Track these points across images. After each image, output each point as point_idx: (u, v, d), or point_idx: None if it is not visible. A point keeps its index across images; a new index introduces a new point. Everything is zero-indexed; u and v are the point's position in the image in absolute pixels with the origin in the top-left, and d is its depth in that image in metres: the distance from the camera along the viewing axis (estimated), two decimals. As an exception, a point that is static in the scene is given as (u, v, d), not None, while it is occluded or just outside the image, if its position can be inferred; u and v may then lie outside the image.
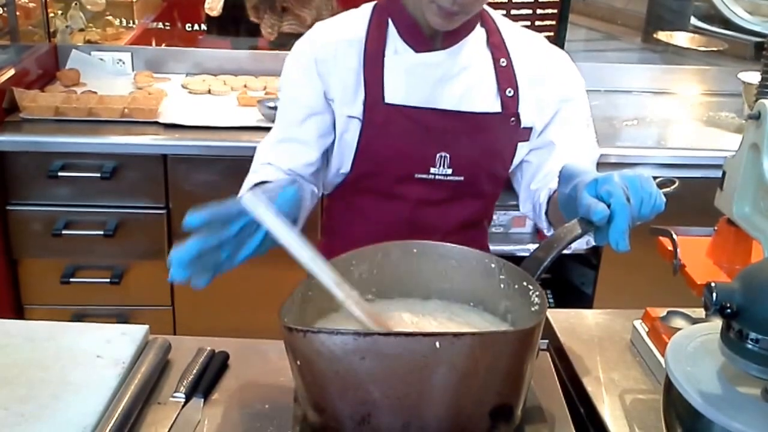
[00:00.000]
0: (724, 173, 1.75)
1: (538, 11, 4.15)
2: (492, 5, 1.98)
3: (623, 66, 4.38)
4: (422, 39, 1.94)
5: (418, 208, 2.01)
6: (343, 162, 1.99)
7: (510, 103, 1.96)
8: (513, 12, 4.10)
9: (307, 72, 1.96)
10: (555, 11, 4.13)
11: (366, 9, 1.99)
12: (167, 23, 4.54)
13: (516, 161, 2.03)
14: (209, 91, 3.84)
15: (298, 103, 1.99)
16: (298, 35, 2.04)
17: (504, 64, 1.96)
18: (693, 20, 4.91)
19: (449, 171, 1.96)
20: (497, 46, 1.97)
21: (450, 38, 1.92)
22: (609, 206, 1.41)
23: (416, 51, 1.94)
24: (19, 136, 3.22)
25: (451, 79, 1.95)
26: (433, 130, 1.95)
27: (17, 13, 3.74)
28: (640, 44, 4.97)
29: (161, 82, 3.94)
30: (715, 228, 1.85)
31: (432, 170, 1.96)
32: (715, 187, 1.77)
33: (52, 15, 4.08)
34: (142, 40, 4.45)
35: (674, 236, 1.76)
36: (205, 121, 3.37)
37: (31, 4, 3.96)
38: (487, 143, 1.97)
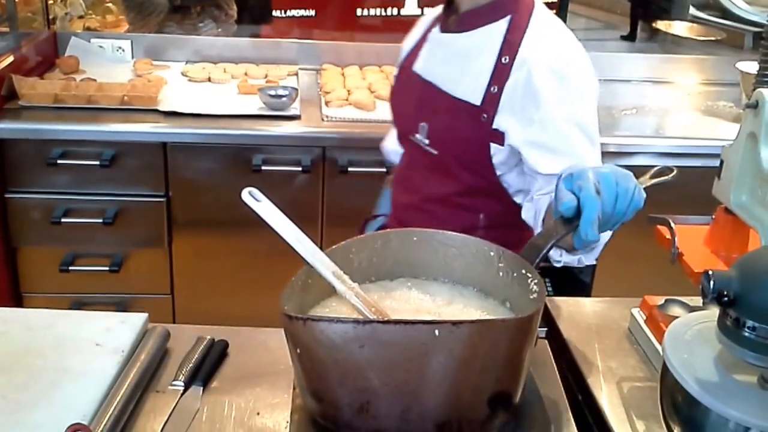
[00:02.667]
0: (721, 162, 1.75)
1: (538, 0, 4.15)
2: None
3: (622, 55, 4.38)
4: (447, 21, 2.12)
5: (411, 165, 2.25)
6: None
7: (490, 101, 1.97)
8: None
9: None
10: (555, 0, 4.14)
11: None
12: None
13: (497, 162, 2.02)
14: (209, 79, 3.84)
15: None
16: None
17: (505, 62, 1.96)
18: (692, 10, 4.92)
19: (427, 141, 2.11)
20: (510, 44, 1.97)
21: (465, 23, 2.05)
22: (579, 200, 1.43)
23: (441, 30, 2.13)
24: (18, 123, 3.22)
25: (450, 61, 2.07)
26: (421, 100, 2.14)
27: (16, 0, 3.73)
28: (639, 34, 4.97)
29: (161, 70, 3.94)
30: (713, 216, 1.85)
31: (417, 135, 2.14)
32: (713, 176, 1.78)
33: (51, 2, 4.08)
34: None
35: (672, 225, 1.76)
36: (205, 109, 3.36)
37: (31, -9, 3.96)
38: (457, 129, 2.05)
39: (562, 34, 2.02)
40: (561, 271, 2.35)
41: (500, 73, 1.97)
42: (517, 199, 2.09)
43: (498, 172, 2.04)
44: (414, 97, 2.17)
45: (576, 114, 1.92)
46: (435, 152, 2.10)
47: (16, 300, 3.45)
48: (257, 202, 1.48)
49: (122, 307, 3.44)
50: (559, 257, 1.80)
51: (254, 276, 3.43)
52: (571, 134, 1.91)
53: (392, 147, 2.44)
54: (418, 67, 2.17)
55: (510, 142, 1.97)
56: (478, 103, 1.99)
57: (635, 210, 1.49)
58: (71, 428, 1.31)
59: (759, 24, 4.48)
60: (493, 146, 2.00)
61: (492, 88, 1.97)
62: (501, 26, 2.00)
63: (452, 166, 2.09)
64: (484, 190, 2.09)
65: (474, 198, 2.12)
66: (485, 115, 1.98)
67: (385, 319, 1.42)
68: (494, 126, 1.98)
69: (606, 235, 1.70)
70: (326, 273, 1.45)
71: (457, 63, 2.06)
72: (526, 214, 1.99)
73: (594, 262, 1.84)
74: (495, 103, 1.97)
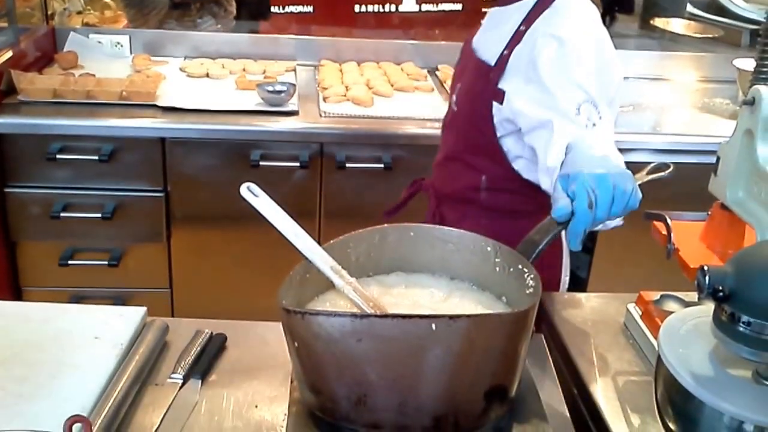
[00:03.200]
0: (718, 158, 1.76)
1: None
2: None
3: (620, 52, 4.36)
4: None
5: (445, 125, 2.39)
6: None
7: (501, 62, 2.07)
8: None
9: None
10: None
11: None
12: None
13: (497, 121, 2.09)
14: (207, 75, 3.84)
15: None
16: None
17: (522, 30, 2.06)
18: (689, 7, 4.92)
19: (455, 99, 2.27)
20: (531, 16, 2.06)
21: None
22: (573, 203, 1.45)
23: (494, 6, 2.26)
24: (17, 118, 3.22)
25: (488, 30, 2.23)
26: (463, 64, 2.29)
27: (15, -5, 3.74)
28: (636, 30, 4.98)
29: (159, 65, 3.94)
30: (709, 213, 1.86)
31: (454, 96, 2.29)
32: (709, 173, 1.78)
33: (49, -3, 4.08)
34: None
35: (668, 221, 1.77)
36: (203, 105, 3.37)
37: (29, -14, 3.97)
38: (474, 87, 2.16)
39: (581, 9, 2.06)
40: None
41: (515, 39, 2.06)
42: (516, 166, 2.13)
43: (498, 133, 2.10)
44: (461, 64, 2.33)
45: (572, 74, 1.94)
46: (456, 109, 2.27)
47: (16, 294, 3.45)
48: (255, 197, 1.49)
49: (121, 301, 3.43)
50: None
51: (252, 270, 3.44)
52: (566, 92, 1.92)
53: None
54: (474, 38, 2.28)
55: (510, 104, 2.03)
56: (492, 63, 2.10)
57: (631, 210, 1.50)
58: (71, 420, 1.32)
59: (756, 21, 4.48)
60: (495, 105, 2.07)
61: (505, 51, 2.07)
62: (531, 1, 2.08)
63: (463, 122, 2.23)
64: (483, 148, 2.16)
65: (475, 156, 2.20)
66: (493, 75, 2.08)
67: (383, 313, 1.43)
68: (499, 85, 2.06)
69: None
70: (324, 268, 1.46)
71: (491, 32, 2.19)
72: (545, 185, 1.98)
73: (621, 223, 1.81)
74: (504, 64, 2.07)
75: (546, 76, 1.95)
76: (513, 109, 2.01)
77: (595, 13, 2.07)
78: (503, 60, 2.07)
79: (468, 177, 2.23)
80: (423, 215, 2.42)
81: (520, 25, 2.07)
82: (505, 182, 2.16)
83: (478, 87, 2.13)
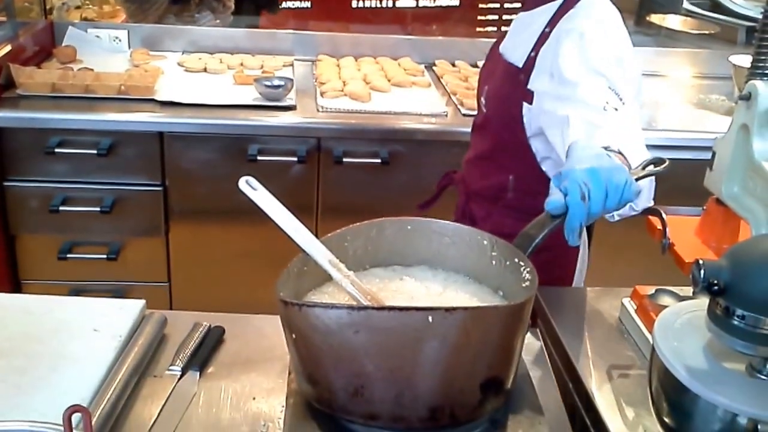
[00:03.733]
0: (713, 154, 1.77)
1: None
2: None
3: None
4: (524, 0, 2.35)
5: (474, 126, 2.44)
6: None
7: (528, 63, 2.13)
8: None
9: None
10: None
11: None
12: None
13: (526, 121, 2.13)
14: (205, 69, 3.84)
15: None
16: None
17: (547, 31, 2.12)
18: (686, 3, 4.93)
19: (484, 101, 2.33)
20: (556, 18, 2.12)
21: (530, 2, 2.24)
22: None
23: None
24: (15, 112, 3.23)
25: (515, 34, 2.30)
26: (490, 67, 2.36)
27: (13, -11, 3.74)
28: (633, 27, 4.98)
29: (157, 60, 3.94)
30: (704, 207, 1.87)
31: (482, 98, 2.35)
32: (705, 169, 1.79)
33: (48, -9, 4.08)
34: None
35: (663, 215, 1.77)
36: (201, 99, 3.37)
37: (27, -19, 3.97)
38: (503, 89, 2.23)
39: (602, 7, 2.11)
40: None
41: (541, 41, 2.13)
42: (544, 166, 2.17)
43: (528, 133, 2.15)
44: (489, 67, 2.40)
45: (592, 62, 1.97)
46: (485, 110, 2.33)
47: (15, 287, 3.45)
48: (254, 190, 1.49)
49: (120, 294, 3.44)
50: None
51: (250, 264, 3.45)
52: (586, 79, 1.95)
53: None
54: (501, 43, 2.34)
55: (539, 104, 2.08)
56: (520, 65, 2.17)
57: (627, 202, 1.51)
58: (70, 410, 1.33)
59: (753, 18, 4.48)
60: (525, 105, 2.12)
61: (532, 53, 2.13)
62: (556, 4, 2.14)
63: (493, 123, 2.28)
64: (513, 149, 2.21)
65: (504, 156, 2.26)
66: (522, 76, 2.13)
67: (380, 305, 1.44)
68: (528, 86, 2.12)
69: (648, 184, 1.73)
70: (322, 261, 1.47)
71: (518, 36, 2.26)
72: None
73: (633, 212, 1.80)
74: (531, 66, 2.13)
75: (566, 67, 1.99)
76: (540, 108, 2.06)
77: (616, 13, 2.11)
78: (530, 62, 2.13)
79: (497, 176, 2.29)
80: (453, 210, 2.51)
81: (545, 28, 2.13)
82: (533, 183, 2.18)
83: (507, 89, 2.19)
